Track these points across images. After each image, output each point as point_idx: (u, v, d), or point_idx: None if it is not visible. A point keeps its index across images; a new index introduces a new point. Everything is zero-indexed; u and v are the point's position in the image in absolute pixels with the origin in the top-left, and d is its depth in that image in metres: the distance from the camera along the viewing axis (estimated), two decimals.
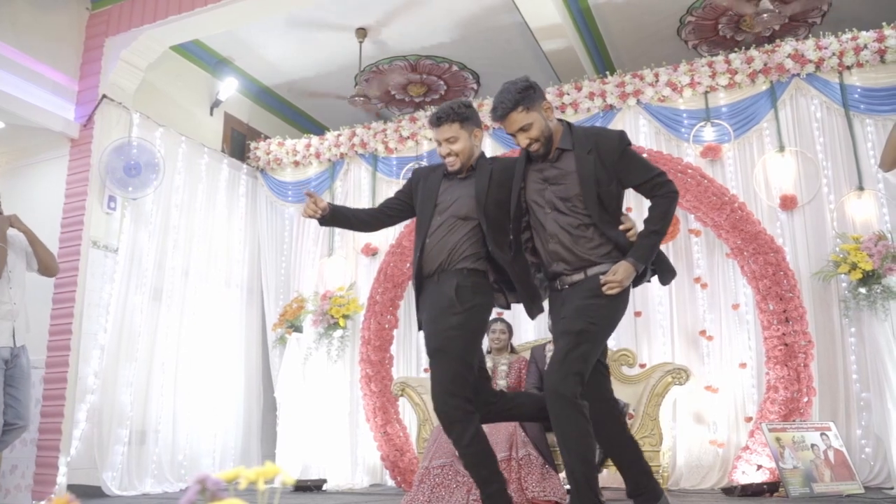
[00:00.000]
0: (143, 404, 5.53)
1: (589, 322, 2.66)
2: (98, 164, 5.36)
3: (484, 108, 6.12)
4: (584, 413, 2.59)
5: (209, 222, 6.36)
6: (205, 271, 6.24)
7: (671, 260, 5.28)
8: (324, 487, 5.53)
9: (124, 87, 5.63)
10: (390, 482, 5.73)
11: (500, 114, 2.81)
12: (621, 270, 2.68)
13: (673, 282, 5.26)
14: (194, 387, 5.95)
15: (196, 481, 1.00)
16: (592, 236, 2.77)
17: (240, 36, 6.38)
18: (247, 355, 6.55)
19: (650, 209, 2.81)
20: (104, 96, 5.46)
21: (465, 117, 3.01)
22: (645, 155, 4.70)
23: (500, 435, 4.35)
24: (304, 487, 5.40)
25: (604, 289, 2.68)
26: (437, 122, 3.02)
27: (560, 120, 2.94)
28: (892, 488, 4.41)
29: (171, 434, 5.72)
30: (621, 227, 2.80)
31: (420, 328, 3.11)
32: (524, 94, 2.78)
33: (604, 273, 2.72)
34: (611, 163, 2.77)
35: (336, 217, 3.13)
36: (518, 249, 2.94)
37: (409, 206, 3.22)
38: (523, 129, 2.81)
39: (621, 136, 2.86)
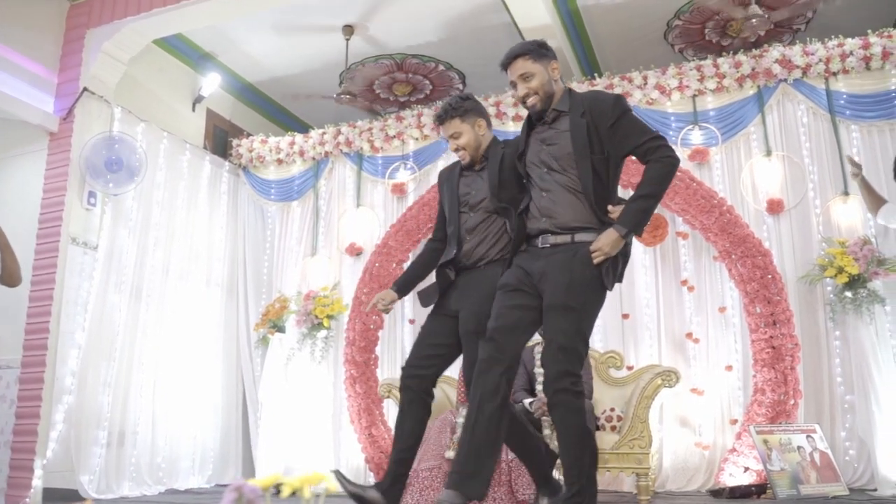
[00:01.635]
0: (121, 405, 5.38)
1: (583, 299, 2.61)
2: (78, 159, 5.22)
3: None
4: (584, 399, 2.59)
5: (190, 220, 6.23)
6: (185, 270, 6.12)
7: (658, 262, 5.37)
8: None
9: (105, 81, 5.49)
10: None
11: (506, 58, 2.85)
12: (603, 238, 2.61)
13: (660, 284, 5.37)
14: (174, 387, 5.82)
15: (232, 489, 0.95)
16: (582, 201, 2.72)
17: (224, 31, 6.28)
18: (228, 356, 6.44)
19: (643, 174, 2.70)
20: (85, 89, 5.31)
21: (465, 111, 3.08)
22: None
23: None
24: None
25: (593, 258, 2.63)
26: (439, 120, 3.13)
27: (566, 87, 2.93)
28: (875, 490, 4.46)
29: (150, 436, 5.59)
30: (610, 207, 2.72)
31: (431, 305, 3.19)
32: (534, 47, 2.83)
33: (590, 241, 2.66)
34: (603, 129, 2.70)
35: (408, 286, 3.37)
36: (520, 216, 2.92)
37: None
38: (524, 78, 2.80)
39: (616, 101, 2.77)
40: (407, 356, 5.93)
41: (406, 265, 5.96)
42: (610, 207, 2.72)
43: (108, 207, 5.44)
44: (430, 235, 5.98)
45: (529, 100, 2.82)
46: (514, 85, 2.86)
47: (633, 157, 2.79)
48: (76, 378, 5.07)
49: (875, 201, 4.08)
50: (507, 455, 4.15)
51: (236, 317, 6.60)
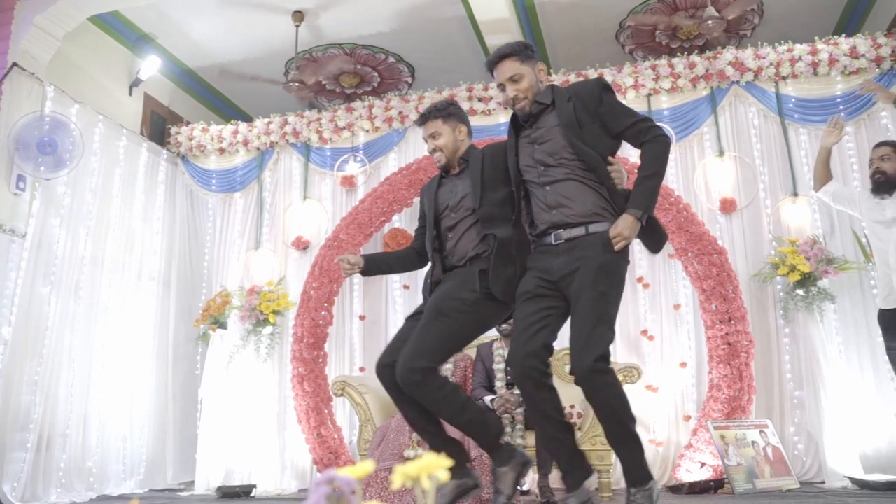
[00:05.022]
0: (49, 406, 4.98)
1: (605, 283, 2.56)
2: (6, 139, 4.83)
3: (424, 100, 5.99)
4: (617, 379, 2.56)
5: (126, 209, 5.87)
6: (120, 262, 5.75)
7: None
8: (252, 493, 5.20)
9: (37, 57, 5.11)
10: None
11: (494, 58, 2.83)
12: (621, 223, 2.58)
13: None
14: (107, 387, 5.46)
15: (324, 481, 0.80)
16: (586, 189, 2.69)
17: (165, 11, 5.94)
18: (164, 353, 6.09)
19: (640, 156, 2.72)
20: (14, 64, 4.92)
21: (448, 114, 3.12)
22: None
23: (454, 432, 4.19)
24: (231, 494, 5.05)
25: (613, 244, 2.59)
26: (422, 120, 3.16)
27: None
28: (822, 482, 4.57)
29: (81, 438, 5.21)
30: (609, 159, 2.72)
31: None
32: (520, 48, 2.82)
33: (605, 231, 2.63)
34: (592, 106, 2.71)
35: (376, 264, 3.26)
36: (518, 220, 2.89)
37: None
38: (513, 80, 2.79)
39: (599, 80, 2.81)
40: (357, 354, 5.82)
41: None
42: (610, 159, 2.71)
43: (39, 193, 5.05)
44: (382, 230, 5.89)
45: (518, 103, 2.81)
46: (501, 87, 2.84)
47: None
48: (1, 377, 4.67)
49: (826, 175, 4.28)
50: (470, 453, 4.05)
51: (173, 312, 6.26)
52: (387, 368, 2.93)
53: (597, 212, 2.67)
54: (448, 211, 3.09)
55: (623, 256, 2.66)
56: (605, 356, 2.49)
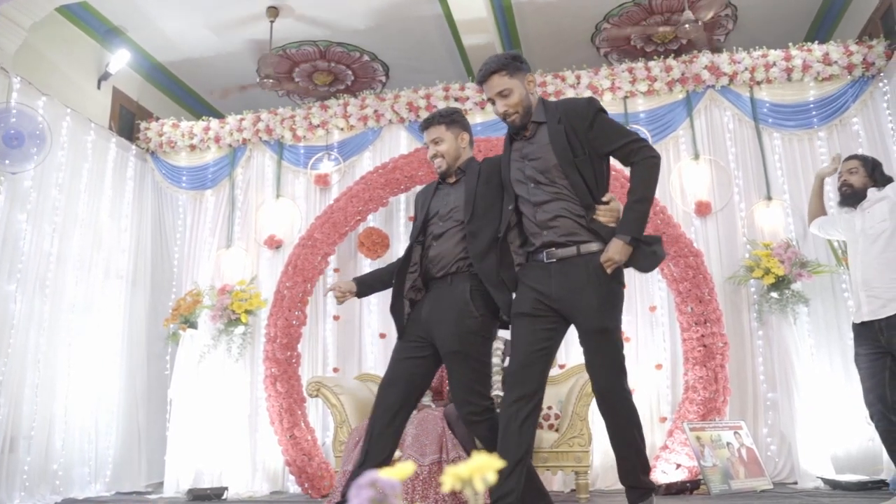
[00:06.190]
0: (13, 407, 4.83)
1: (611, 317, 2.69)
2: None
3: (400, 99, 5.95)
4: (634, 404, 2.72)
5: (93, 206, 5.73)
6: (87, 259, 5.60)
7: None
8: (224, 496, 5.10)
9: (3, 47, 4.94)
10: (292, 489, 5.39)
11: (482, 75, 2.81)
12: (612, 249, 2.61)
13: None
14: (73, 387, 5.32)
15: (365, 484, 0.76)
16: (576, 208, 2.69)
17: (136, 3, 5.80)
18: (132, 353, 5.95)
19: (630, 178, 2.74)
20: None
21: (452, 121, 3.11)
22: None
23: (430, 437, 4.16)
24: (201, 496, 4.95)
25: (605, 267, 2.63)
26: (425, 125, 3.13)
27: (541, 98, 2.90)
28: (795, 483, 4.64)
29: (46, 440, 5.07)
30: (603, 199, 2.72)
31: (401, 331, 3.10)
32: (508, 61, 2.80)
33: (597, 251, 2.65)
34: (582, 130, 2.71)
35: (369, 285, 3.29)
36: (503, 239, 2.87)
37: None
38: (502, 95, 2.78)
39: (589, 101, 2.79)
40: (330, 354, 5.74)
41: (332, 259, 5.71)
42: (598, 208, 2.70)
43: (4, 187, 4.89)
44: (357, 229, 5.82)
45: (509, 117, 2.80)
46: (491, 102, 2.84)
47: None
48: None
49: (818, 208, 4.21)
50: (448, 455, 4.03)
51: (142, 311, 6.12)
52: (390, 388, 2.97)
53: (585, 231, 2.68)
54: (437, 219, 3.08)
55: (619, 281, 2.71)
56: (622, 385, 2.69)
